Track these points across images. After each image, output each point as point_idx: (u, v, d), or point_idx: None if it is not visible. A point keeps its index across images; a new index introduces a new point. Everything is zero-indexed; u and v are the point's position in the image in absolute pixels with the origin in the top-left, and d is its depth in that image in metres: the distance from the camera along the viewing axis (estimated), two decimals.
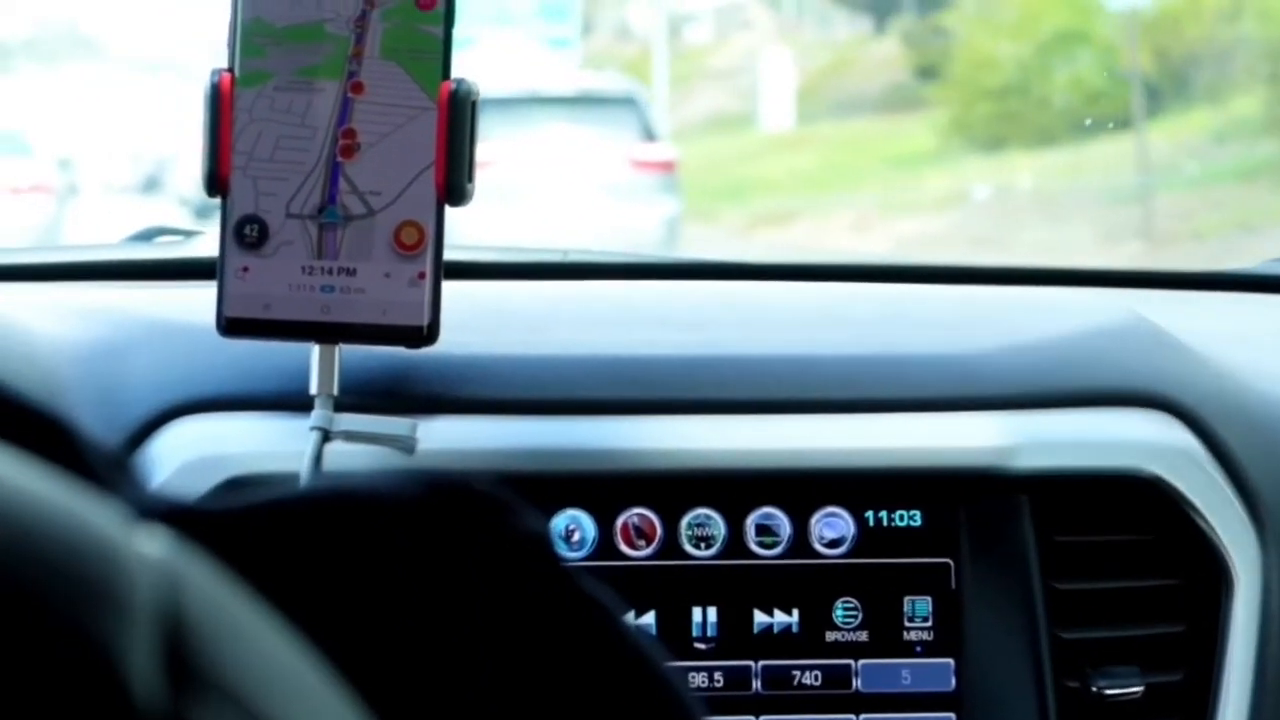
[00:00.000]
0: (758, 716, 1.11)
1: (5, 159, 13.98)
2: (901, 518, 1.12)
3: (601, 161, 11.60)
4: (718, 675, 1.11)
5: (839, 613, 1.12)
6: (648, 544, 1.11)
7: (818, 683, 1.11)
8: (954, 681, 1.12)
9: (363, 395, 1.04)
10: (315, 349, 1.00)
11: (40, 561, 0.36)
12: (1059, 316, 1.24)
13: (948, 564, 1.12)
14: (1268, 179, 13.59)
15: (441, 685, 0.47)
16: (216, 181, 0.97)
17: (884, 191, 15.63)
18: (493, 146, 10.64)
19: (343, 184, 0.96)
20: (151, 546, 0.38)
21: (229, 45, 0.97)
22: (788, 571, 1.11)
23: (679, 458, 1.09)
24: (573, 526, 1.10)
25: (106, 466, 0.46)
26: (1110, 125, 15.29)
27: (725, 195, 16.68)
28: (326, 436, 0.99)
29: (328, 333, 0.98)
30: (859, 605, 1.12)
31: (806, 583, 1.12)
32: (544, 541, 0.49)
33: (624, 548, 1.10)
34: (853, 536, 1.12)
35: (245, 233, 0.97)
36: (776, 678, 1.11)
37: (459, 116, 0.97)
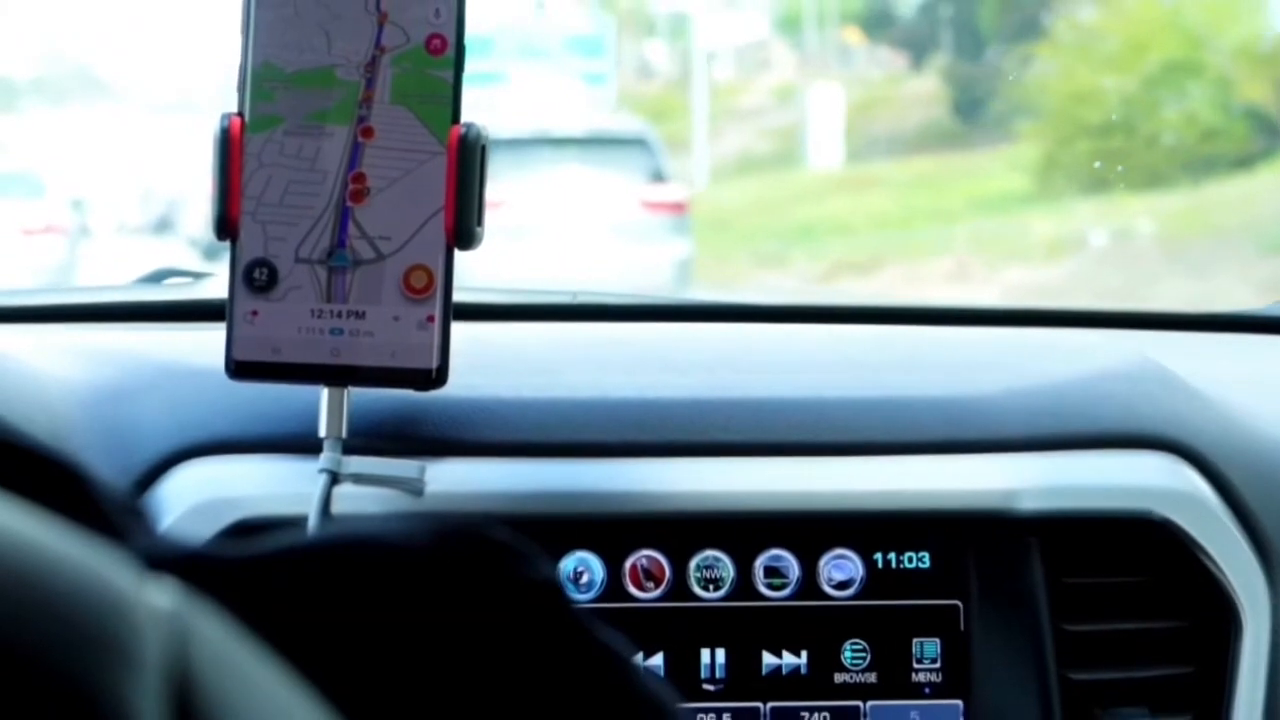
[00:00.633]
0: None
1: (18, 200, 14.00)
2: (910, 559, 1.12)
3: (612, 202, 11.62)
4: (726, 717, 1.11)
5: (848, 654, 1.12)
6: (656, 586, 1.11)
7: None
8: None
9: (371, 438, 1.04)
10: (324, 392, 1.00)
11: (49, 614, 0.36)
12: (1067, 358, 1.24)
13: (956, 606, 1.12)
14: None
15: None
16: (226, 225, 0.97)
17: (978, 235, 14.35)
18: (503, 186, 10.66)
19: (352, 229, 0.97)
20: (160, 598, 0.38)
21: (239, 89, 0.97)
22: (796, 613, 1.11)
23: (688, 500, 1.09)
24: (581, 568, 1.10)
25: (117, 511, 0.46)
26: (1228, 164, 14.03)
27: (793, 239, 15.71)
28: (335, 479, 0.99)
29: (337, 375, 0.98)
30: (868, 647, 1.12)
31: (815, 624, 1.11)
32: (556, 589, 0.49)
33: (633, 589, 1.10)
34: (861, 578, 1.12)
35: (254, 276, 0.97)
36: (785, 719, 1.11)
37: (469, 161, 0.97)
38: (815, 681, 1.11)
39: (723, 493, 1.09)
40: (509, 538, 0.49)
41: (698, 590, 1.11)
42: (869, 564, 1.12)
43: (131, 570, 0.38)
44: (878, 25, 25.36)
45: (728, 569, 1.11)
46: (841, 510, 1.11)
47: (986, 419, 1.15)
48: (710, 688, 1.11)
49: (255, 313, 0.97)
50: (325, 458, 0.99)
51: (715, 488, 1.09)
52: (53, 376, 1.11)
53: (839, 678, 1.11)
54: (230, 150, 0.96)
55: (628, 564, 1.10)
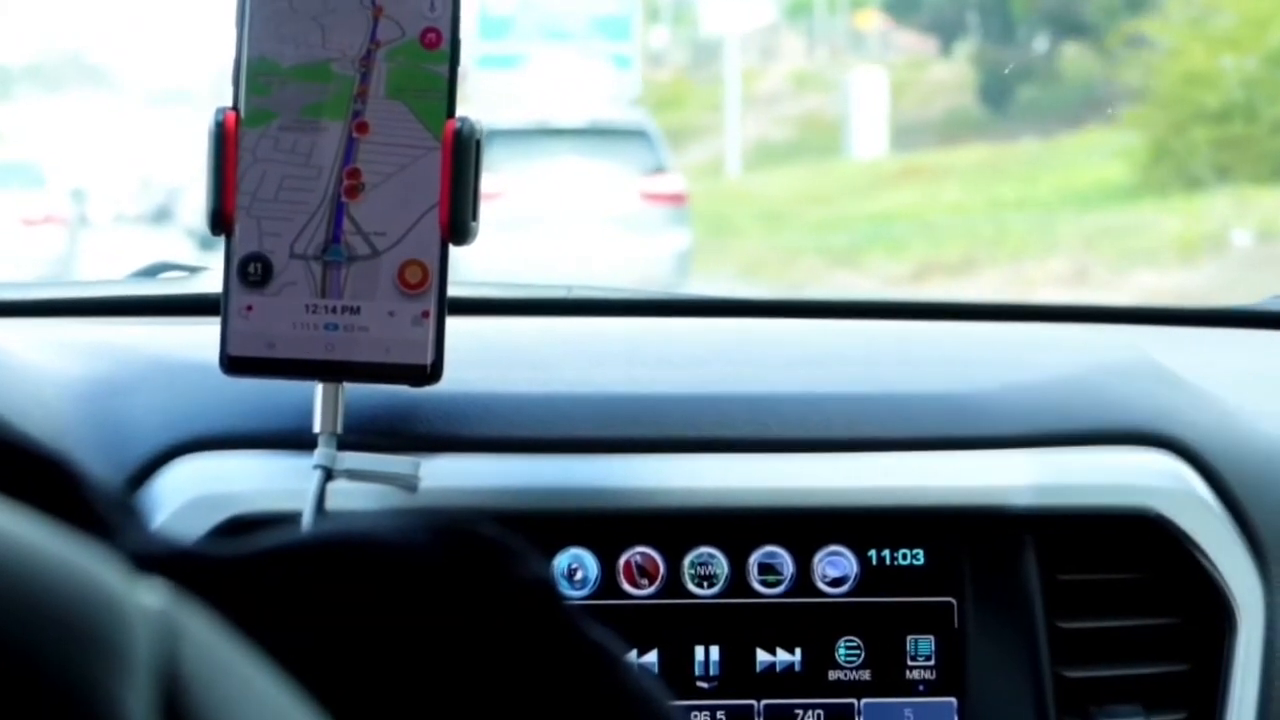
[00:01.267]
0: None
1: (19, 191, 14.00)
2: (904, 556, 1.12)
3: (612, 193, 11.62)
4: (720, 714, 1.11)
5: (842, 651, 1.12)
6: (650, 582, 1.11)
7: None
8: None
9: (366, 433, 1.04)
10: (319, 387, 1.00)
11: (40, 612, 0.36)
12: (1063, 354, 1.24)
13: (951, 603, 1.12)
14: None
15: None
16: (221, 220, 0.97)
17: (1085, 232, 12.67)
18: (503, 178, 10.66)
19: (347, 224, 0.97)
20: (151, 597, 0.38)
21: (233, 83, 0.97)
22: (790, 610, 1.11)
23: (682, 496, 1.09)
24: (575, 565, 1.10)
25: (109, 509, 0.46)
26: None
27: (862, 234, 14.17)
28: (329, 475, 0.99)
29: (331, 371, 0.98)
30: (862, 644, 1.12)
31: (809, 621, 1.11)
32: (549, 588, 0.49)
33: (627, 586, 1.10)
34: (855, 575, 1.12)
35: (249, 271, 0.97)
36: (779, 716, 1.11)
37: (463, 156, 0.97)
38: (809, 679, 1.11)
39: (717, 489, 1.09)
40: (502, 535, 0.49)
41: (692, 587, 1.11)
42: (863, 561, 1.12)
43: (122, 569, 0.38)
44: (903, 9, 24.92)
45: (722, 566, 1.11)
46: (836, 506, 1.11)
47: (982, 415, 1.15)
48: (704, 685, 1.10)
49: (250, 308, 0.97)
50: (320, 453, 0.99)
51: (709, 484, 1.09)
52: (47, 371, 1.11)
53: (833, 675, 1.11)
54: (225, 145, 0.96)
55: (622, 560, 1.10)
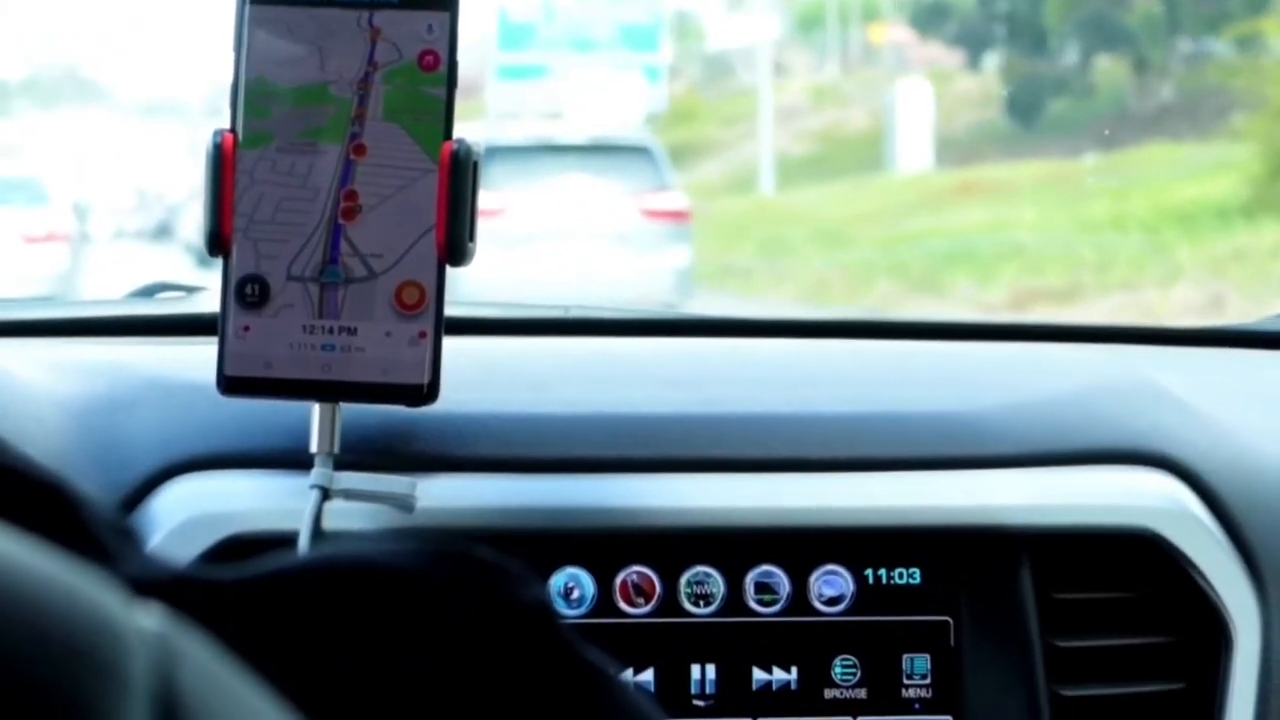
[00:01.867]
0: None
1: (22, 208, 13.98)
2: (901, 575, 1.13)
3: (614, 210, 11.61)
4: None
5: (838, 670, 1.12)
6: (647, 601, 1.11)
7: None
8: None
9: (363, 453, 1.04)
10: (315, 407, 1.00)
11: (38, 637, 0.36)
12: (1060, 374, 1.24)
13: (947, 622, 1.12)
14: None
15: None
16: (218, 241, 0.97)
17: (1207, 256, 11.22)
18: (505, 194, 10.66)
19: (344, 246, 0.97)
20: (148, 620, 0.38)
21: (231, 105, 0.97)
22: (787, 629, 1.12)
23: (678, 516, 1.09)
24: (572, 584, 1.10)
25: (108, 532, 0.46)
26: None
27: (933, 256, 13.07)
28: (326, 495, 1.00)
29: (328, 391, 0.99)
30: (858, 663, 1.12)
31: (805, 640, 1.12)
32: (546, 610, 0.49)
33: (623, 605, 1.11)
34: (852, 594, 1.12)
35: (247, 292, 0.97)
36: None
37: (460, 177, 0.97)
38: (805, 697, 1.11)
39: (713, 508, 1.10)
40: (498, 558, 0.49)
41: (688, 606, 1.11)
42: (859, 580, 1.12)
43: (120, 593, 0.38)
44: (927, 22, 24.41)
45: (718, 584, 1.11)
46: (832, 526, 1.11)
47: (978, 434, 1.15)
48: (700, 703, 1.11)
49: (247, 328, 0.97)
50: (316, 473, 0.99)
51: (706, 503, 1.10)
52: (45, 391, 1.11)
53: (829, 693, 1.12)
54: (223, 167, 0.96)
55: (618, 580, 1.10)
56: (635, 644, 1.10)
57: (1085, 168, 16.16)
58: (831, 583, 1.12)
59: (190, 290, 1.47)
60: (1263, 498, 1.17)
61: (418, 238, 0.97)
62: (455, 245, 0.97)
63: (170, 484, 1.05)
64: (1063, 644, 1.13)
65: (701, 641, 1.11)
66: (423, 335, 0.98)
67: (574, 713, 0.49)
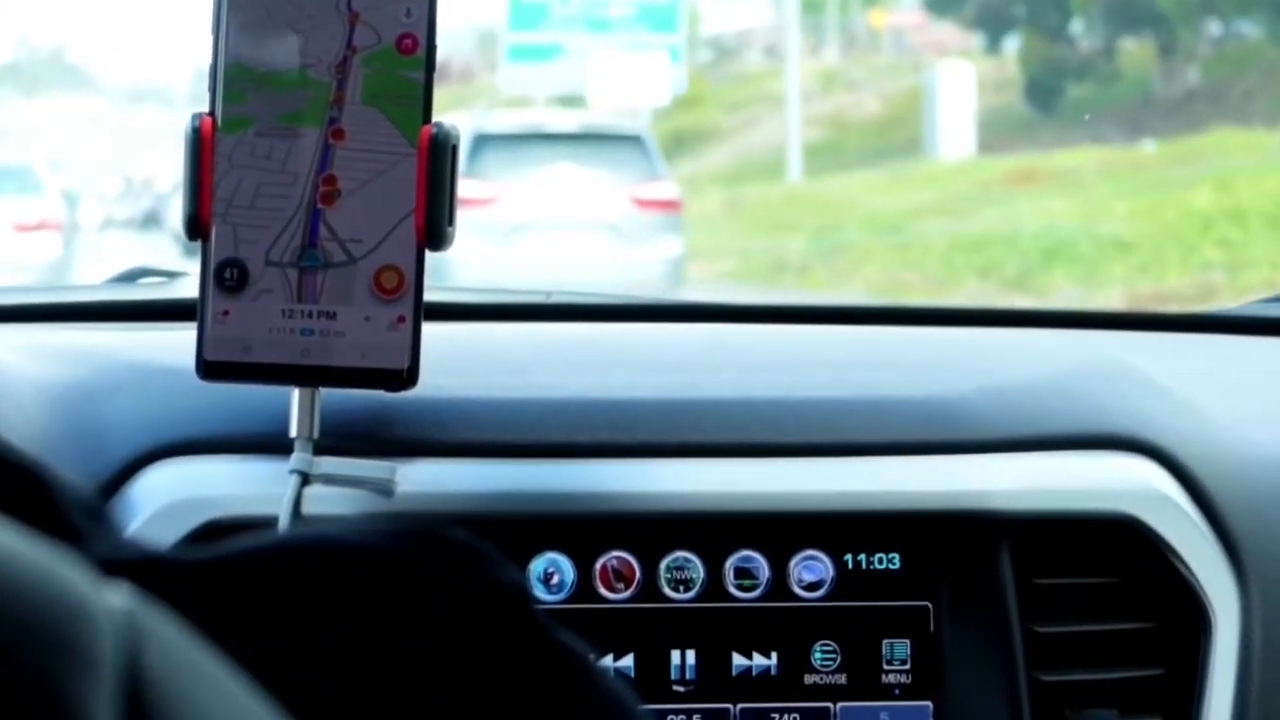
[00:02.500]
0: None
1: (14, 196, 13.95)
2: (880, 561, 1.13)
3: (605, 199, 11.61)
4: (696, 718, 1.11)
5: (817, 655, 1.12)
6: (627, 586, 1.11)
7: None
8: None
9: (342, 438, 1.04)
10: (295, 392, 1.00)
11: (4, 615, 0.36)
12: (1040, 359, 1.24)
13: (926, 607, 1.13)
14: None
15: None
16: (197, 226, 0.97)
17: None
18: (497, 183, 10.65)
19: (323, 231, 0.97)
20: (116, 599, 0.38)
21: (210, 89, 0.97)
22: (766, 614, 1.12)
23: (658, 500, 1.10)
24: (551, 569, 1.10)
25: (81, 513, 0.46)
26: None
27: (1015, 252, 12.03)
28: (306, 479, 1.00)
29: (308, 376, 0.99)
30: (837, 648, 1.12)
31: (785, 625, 1.12)
32: (521, 592, 0.49)
33: (603, 590, 1.11)
34: (832, 579, 1.12)
35: (226, 277, 0.97)
36: None
37: (439, 161, 0.97)
38: (785, 682, 1.11)
39: (693, 493, 1.10)
40: (474, 540, 0.49)
41: (668, 591, 1.11)
42: (839, 565, 1.12)
43: (89, 572, 0.38)
44: (941, 4, 23.77)
45: (698, 570, 1.11)
46: (812, 511, 1.11)
47: (958, 419, 1.15)
48: (680, 689, 1.11)
49: (226, 313, 0.97)
50: (296, 458, 0.99)
51: (685, 488, 1.10)
52: (24, 376, 1.11)
53: (809, 679, 1.12)
54: (201, 151, 0.96)
55: (598, 565, 1.11)
56: (615, 629, 1.10)
57: (1148, 155, 15.11)
58: (811, 568, 1.12)
59: (171, 275, 1.47)
60: (1243, 483, 1.17)
61: (397, 222, 0.97)
62: (434, 229, 0.97)
63: (150, 469, 1.05)
64: (1043, 629, 1.13)
65: (681, 627, 1.11)
66: (402, 320, 0.98)
67: (548, 694, 0.49)
